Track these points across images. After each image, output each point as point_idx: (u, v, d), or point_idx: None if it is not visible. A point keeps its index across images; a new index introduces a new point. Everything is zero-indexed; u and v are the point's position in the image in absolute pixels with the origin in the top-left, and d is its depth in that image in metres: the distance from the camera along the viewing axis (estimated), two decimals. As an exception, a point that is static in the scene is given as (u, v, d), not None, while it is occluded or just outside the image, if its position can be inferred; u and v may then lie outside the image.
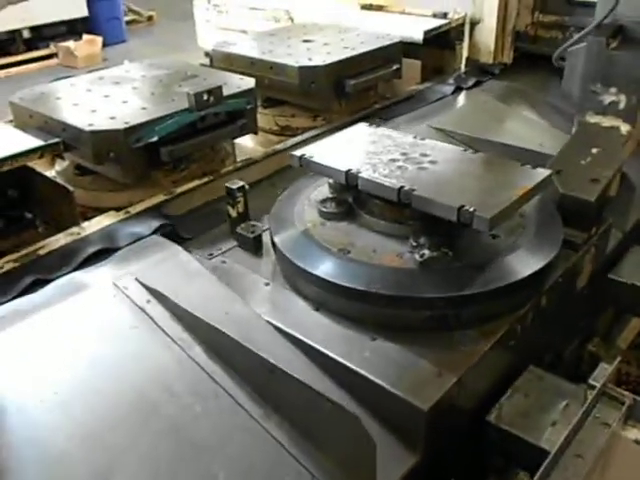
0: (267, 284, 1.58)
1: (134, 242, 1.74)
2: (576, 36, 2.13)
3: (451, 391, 1.26)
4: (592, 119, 2.12)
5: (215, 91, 2.05)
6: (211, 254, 1.73)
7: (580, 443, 1.28)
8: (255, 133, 2.37)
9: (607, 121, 2.10)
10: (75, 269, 1.63)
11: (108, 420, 1.22)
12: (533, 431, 1.36)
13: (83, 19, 9.90)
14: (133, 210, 1.90)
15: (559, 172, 1.79)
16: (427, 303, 1.39)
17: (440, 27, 3.06)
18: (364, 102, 2.76)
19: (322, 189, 1.75)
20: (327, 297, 1.47)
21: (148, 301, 1.48)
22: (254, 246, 1.71)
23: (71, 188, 1.90)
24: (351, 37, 2.82)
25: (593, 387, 1.37)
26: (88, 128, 1.86)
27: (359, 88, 2.57)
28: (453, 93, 2.89)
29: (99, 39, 9.49)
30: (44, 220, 2.00)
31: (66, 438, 1.19)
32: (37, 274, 1.60)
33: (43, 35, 9.44)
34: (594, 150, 1.92)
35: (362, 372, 1.29)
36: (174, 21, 11.09)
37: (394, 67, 2.71)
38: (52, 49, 9.35)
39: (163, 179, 2.15)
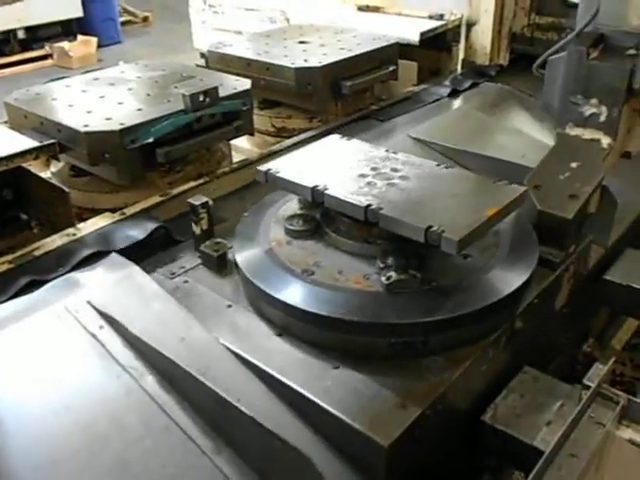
0: (229, 306, 1.51)
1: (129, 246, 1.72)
2: (556, 45, 2.09)
3: (415, 424, 1.21)
4: (572, 131, 2.06)
5: (211, 92, 2.04)
6: (173, 273, 1.64)
7: (575, 443, 1.28)
8: (251, 134, 2.36)
9: (588, 133, 2.04)
10: (70, 270, 1.62)
11: (53, 454, 1.17)
12: (528, 431, 1.36)
13: (78, 20, 9.88)
14: (128, 212, 1.89)
15: (537, 187, 1.73)
16: (392, 329, 1.32)
17: (436, 28, 3.06)
18: (360, 103, 2.76)
19: (291, 204, 1.69)
20: (290, 322, 1.40)
21: (101, 327, 1.41)
22: (218, 265, 1.63)
23: (66, 189, 1.89)
24: (347, 38, 2.82)
25: (588, 387, 1.37)
26: (83, 129, 1.86)
27: (355, 89, 2.57)
28: (449, 95, 2.89)
29: (94, 40, 9.47)
30: (39, 221, 1.98)
31: (6, 474, 1.14)
32: (33, 275, 1.59)
33: (38, 36, 9.42)
34: (573, 164, 1.85)
35: (321, 403, 1.24)
36: (169, 22, 11.08)
37: (390, 68, 2.71)
38: (47, 50, 9.32)
39: (159, 180, 2.14)
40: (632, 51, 1.95)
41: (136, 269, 1.59)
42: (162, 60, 2.66)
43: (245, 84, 2.25)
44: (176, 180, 2.15)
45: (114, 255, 1.66)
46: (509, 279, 1.43)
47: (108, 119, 1.93)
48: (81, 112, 2.00)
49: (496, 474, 1.54)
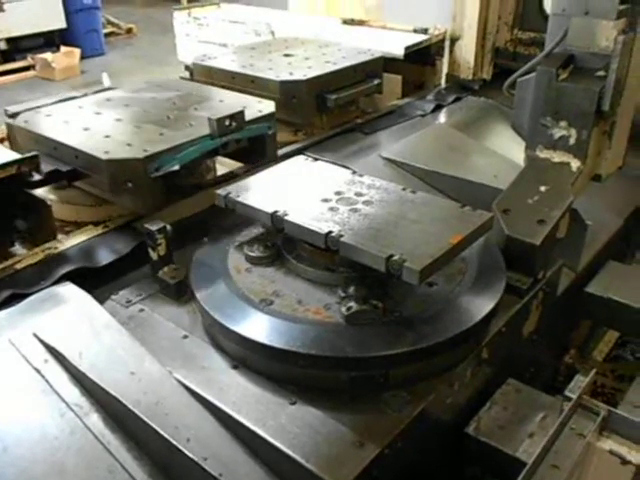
0: (185, 337, 1.47)
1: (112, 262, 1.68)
2: (525, 66, 2.07)
3: (373, 464, 1.17)
4: (542, 154, 2.03)
5: (237, 116, 1.92)
6: (129, 300, 1.59)
7: (556, 454, 1.30)
8: (275, 159, 2.16)
9: (557, 156, 2.01)
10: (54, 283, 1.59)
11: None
12: (511, 443, 1.37)
13: (61, 31, 9.82)
14: (112, 225, 1.86)
15: (506, 211, 1.72)
16: (352, 363, 1.29)
17: (421, 43, 3.09)
18: (345, 116, 2.76)
19: (252, 229, 1.67)
20: (246, 354, 1.36)
21: (46, 361, 1.37)
22: (176, 292, 1.58)
23: (48, 202, 1.85)
24: (332, 52, 2.83)
25: (569, 399, 1.38)
26: (105, 156, 1.71)
27: (340, 103, 2.57)
28: (434, 110, 2.91)
29: (77, 51, 9.41)
30: (21, 234, 1.94)
31: None
32: (14, 288, 1.56)
33: (20, 47, 9.32)
34: (542, 188, 1.85)
35: (275, 442, 1.20)
36: (153, 34, 11.07)
37: (375, 82, 2.72)
38: (29, 61, 9.23)
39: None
40: (601, 73, 1.95)
41: (88, 298, 1.53)
42: (174, 79, 2.53)
43: (269, 106, 2.12)
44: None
45: (66, 284, 1.59)
46: (475, 308, 1.41)
47: (129, 145, 1.78)
48: (99, 137, 1.86)
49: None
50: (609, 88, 1.91)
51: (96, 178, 1.76)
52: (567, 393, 1.39)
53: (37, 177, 1.70)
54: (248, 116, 2.01)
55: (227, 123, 1.89)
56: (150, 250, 1.61)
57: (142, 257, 1.67)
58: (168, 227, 1.60)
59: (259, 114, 2.04)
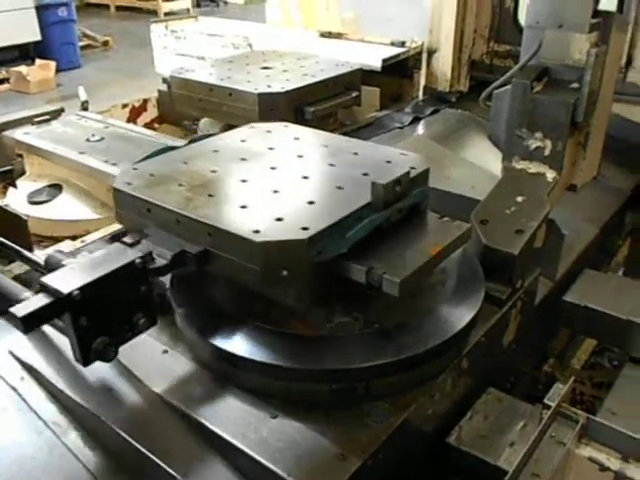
0: (165, 352, 1.44)
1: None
2: (501, 78, 2.10)
3: (356, 476, 1.17)
4: (518, 165, 2.06)
5: (404, 179, 1.46)
6: None
7: (537, 462, 1.31)
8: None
9: (533, 167, 2.04)
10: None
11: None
12: (492, 452, 1.38)
13: (36, 44, 9.74)
14: (89, 239, 1.84)
15: (484, 222, 1.73)
16: (333, 375, 1.29)
17: (398, 55, 3.12)
18: (324, 129, 2.76)
19: None
20: (228, 369, 1.36)
21: (22, 378, 1.35)
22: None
23: (24, 217, 1.83)
24: (310, 64, 2.84)
25: (548, 407, 1.39)
26: (257, 238, 1.27)
27: (319, 115, 2.58)
28: (412, 122, 2.94)
29: (52, 64, 9.33)
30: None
31: None
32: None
33: (-6, 60, 9.23)
34: (519, 198, 1.86)
35: (257, 457, 1.19)
36: (130, 47, 11.04)
37: (353, 94, 2.74)
38: (3, 74, 9.13)
39: (120, 207, 2.09)
40: (575, 85, 1.99)
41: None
42: (279, 123, 1.97)
43: (423, 163, 1.59)
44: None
45: None
46: (455, 319, 1.42)
47: (279, 220, 1.34)
48: (232, 206, 1.41)
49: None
50: (583, 100, 1.94)
51: (236, 262, 1.32)
52: (546, 401, 1.41)
53: (160, 263, 1.33)
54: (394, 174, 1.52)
55: (396, 189, 1.44)
56: None
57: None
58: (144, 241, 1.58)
59: (414, 172, 1.52)
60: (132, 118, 3.22)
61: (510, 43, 3.26)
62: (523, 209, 1.82)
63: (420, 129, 2.93)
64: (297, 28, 3.92)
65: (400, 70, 3.22)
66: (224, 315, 1.42)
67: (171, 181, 1.51)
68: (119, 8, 15.16)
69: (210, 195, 1.45)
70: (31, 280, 1.63)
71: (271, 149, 1.70)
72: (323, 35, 3.55)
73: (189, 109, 2.78)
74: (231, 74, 2.70)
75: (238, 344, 1.34)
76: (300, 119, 2.55)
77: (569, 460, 1.38)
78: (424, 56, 3.23)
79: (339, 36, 3.51)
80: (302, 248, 1.26)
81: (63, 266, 1.27)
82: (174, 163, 1.62)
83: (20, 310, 1.10)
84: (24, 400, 1.31)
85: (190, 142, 1.79)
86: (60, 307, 1.13)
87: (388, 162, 1.60)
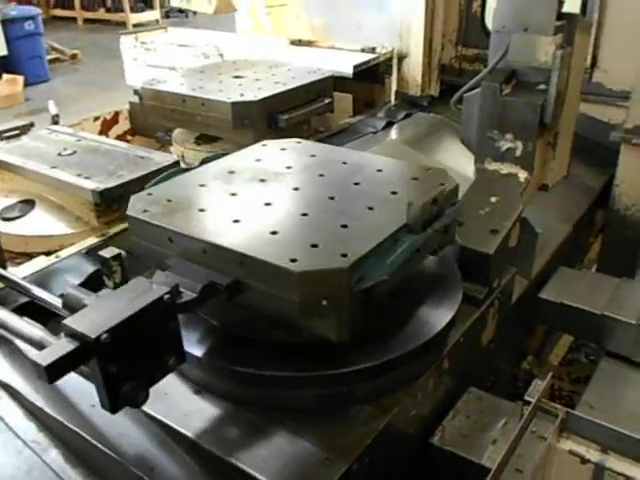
0: None
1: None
2: (471, 82, 2.15)
3: None
4: (491, 166, 2.10)
5: (440, 197, 1.39)
6: None
7: (519, 457, 1.33)
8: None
9: (505, 168, 2.07)
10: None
11: None
12: (475, 450, 1.40)
13: (3, 58, 9.57)
14: (64, 254, 1.81)
15: (459, 224, 1.74)
16: (317, 381, 1.29)
17: (369, 61, 3.15)
18: (298, 136, 2.77)
19: None
20: (207, 378, 1.35)
21: None
22: None
23: (-5, 234, 1.79)
24: (282, 72, 2.85)
25: (528, 403, 1.42)
26: (296, 267, 1.18)
27: (292, 122, 2.59)
28: (385, 127, 2.97)
29: (20, 78, 9.19)
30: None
31: None
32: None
33: (-41, 75, 9.05)
34: (493, 199, 1.89)
35: (243, 467, 1.18)
36: (100, 59, 10.93)
37: (326, 101, 2.75)
38: (-31, 89, 8.95)
39: (94, 221, 2.07)
40: (542, 86, 2.03)
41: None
42: (294, 139, 1.90)
43: (451, 178, 1.54)
44: (114, 219, 2.08)
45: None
46: (434, 320, 1.43)
47: (315, 246, 1.26)
48: (262, 233, 1.31)
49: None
50: (550, 101, 1.98)
51: (272, 294, 1.23)
52: (526, 397, 1.43)
53: (187, 297, 1.24)
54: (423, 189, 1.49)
55: (432, 208, 1.38)
56: (105, 278, 1.56)
57: (98, 286, 1.62)
58: (123, 253, 1.56)
59: (441, 188, 1.43)
60: (104, 131, 3.19)
61: (478, 47, 3.31)
62: (497, 209, 1.84)
63: (393, 134, 2.96)
64: (268, 36, 3.94)
65: (371, 76, 3.25)
66: (203, 325, 1.40)
67: (191, 206, 1.42)
68: (87, 21, 15.02)
69: (236, 221, 1.35)
70: (5, 297, 1.60)
71: (289, 168, 1.63)
72: (294, 43, 3.56)
73: (162, 120, 2.76)
74: (203, 84, 2.70)
75: (219, 354, 1.34)
76: (273, 127, 2.55)
77: (550, 454, 1.40)
78: (395, 61, 3.27)
79: (310, 44, 3.53)
80: (343, 277, 1.19)
81: (84, 305, 1.15)
82: (191, 187, 1.53)
83: (44, 358, 0.99)
84: (1, 419, 1.29)
85: (202, 163, 1.72)
86: (87, 352, 1.03)
87: (415, 179, 1.55)
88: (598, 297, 2.00)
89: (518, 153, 2.05)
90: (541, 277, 2.10)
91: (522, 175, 2.05)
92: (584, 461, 1.38)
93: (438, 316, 1.44)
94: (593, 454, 1.38)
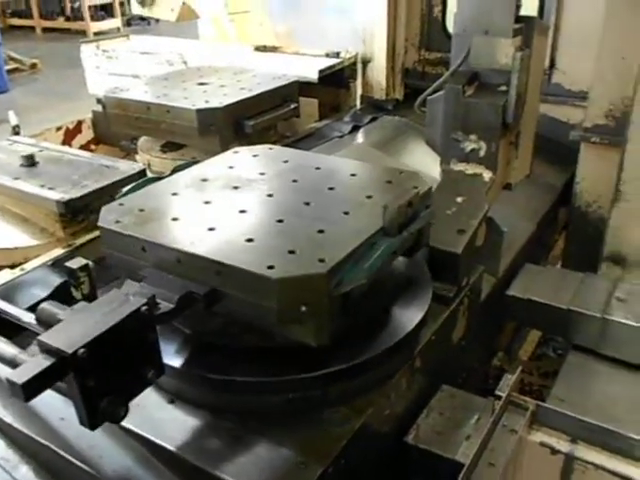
0: None
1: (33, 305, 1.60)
2: (434, 84, 2.18)
3: None
4: (456, 167, 2.13)
5: (414, 200, 1.40)
6: None
7: (492, 451, 1.36)
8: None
9: (470, 168, 2.11)
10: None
11: None
12: (449, 447, 1.41)
13: (-42, 69, 9.34)
14: (29, 266, 1.77)
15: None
16: (289, 385, 1.28)
17: (333, 66, 3.17)
18: (265, 141, 2.76)
19: None
20: (182, 387, 1.34)
21: None
22: None
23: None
24: (247, 78, 2.85)
25: (499, 397, 1.45)
26: (273, 274, 1.17)
27: (258, 128, 2.59)
28: (351, 131, 2.99)
29: (-22, 89, 8.97)
30: None
31: None
32: None
33: None
34: (459, 199, 1.92)
35: (220, 474, 1.18)
36: (60, 68, 10.73)
37: (292, 106, 2.76)
38: None
39: (60, 232, 2.03)
40: (503, 87, 2.07)
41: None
42: (264, 145, 1.88)
43: (423, 181, 1.55)
44: (80, 230, 2.04)
45: None
46: (405, 319, 1.44)
47: (292, 252, 1.25)
48: (237, 241, 1.29)
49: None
50: (511, 102, 2.03)
51: (250, 301, 1.22)
52: (497, 392, 1.47)
53: (165, 308, 1.22)
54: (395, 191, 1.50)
55: (407, 211, 1.39)
56: (73, 289, 1.52)
57: (66, 298, 1.59)
58: (91, 264, 1.53)
59: (421, 191, 1.46)
60: (67, 141, 3.14)
61: (440, 50, 3.37)
62: (463, 209, 1.88)
63: (360, 137, 2.98)
64: (231, 43, 3.93)
65: (336, 80, 3.27)
66: (174, 333, 1.39)
67: (164, 216, 1.40)
68: (46, 30, 14.75)
69: (210, 229, 1.34)
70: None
71: (262, 174, 1.62)
72: (258, 49, 3.56)
73: (126, 128, 2.73)
74: (167, 91, 2.68)
75: (192, 362, 1.33)
76: (240, 133, 2.55)
77: (522, 447, 1.44)
78: (359, 66, 3.30)
79: (274, 50, 3.54)
80: (322, 282, 1.18)
81: (59, 320, 1.11)
82: (163, 196, 1.51)
83: (20, 376, 0.95)
84: None
85: (173, 171, 1.70)
86: (64, 368, 0.99)
87: (389, 182, 1.56)
88: (563, 292, 2.05)
89: (482, 153, 2.09)
90: (508, 275, 2.14)
91: (487, 175, 2.09)
92: (554, 452, 1.42)
93: (409, 316, 1.46)
94: (563, 445, 1.42)
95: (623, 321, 1.88)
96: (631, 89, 2.19)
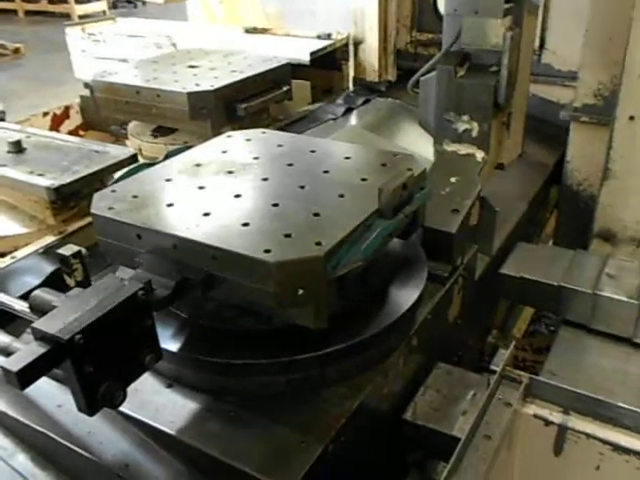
0: None
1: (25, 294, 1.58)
2: (426, 65, 2.19)
3: (319, 461, 1.18)
4: (449, 147, 2.15)
5: (409, 182, 1.41)
6: None
7: (487, 424, 1.39)
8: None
9: (463, 149, 2.13)
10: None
11: None
12: (446, 422, 1.45)
13: (-60, 55, 9.16)
14: (20, 254, 1.76)
15: None
16: (288, 366, 1.30)
17: (325, 48, 3.15)
18: (257, 125, 2.75)
19: None
20: (179, 371, 1.35)
21: None
22: None
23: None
24: (238, 60, 2.82)
25: (494, 372, 1.49)
26: (270, 258, 1.18)
27: (251, 111, 2.57)
28: (344, 113, 2.98)
29: (-40, 75, 8.81)
30: None
31: None
32: None
33: None
34: (453, 179, 1.93)
35: (220, 457, 1.18)
36: (45, 53, 10.57)
37: (284, 89, 2.74)
38: None
39: (51, 219, 2.01)
40: (494, 68, 2.08)
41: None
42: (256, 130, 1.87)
43: (418, 163, 1.56)
44: (71, 217, 2.03)
45: None
46: (402, 299, 1.46)
47: (288, 236, 1.25)
48: (234, 225, 1.30)
49: (422, 468, 1.59)
50: (503, 82, 2.04)
51: (247, 286, 1.22)
52: (492, 367, 1.51)
53: (162, 293, 1.23)
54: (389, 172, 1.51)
55: (402, 193, 1.40)
56: (66, 277, 1.51)
57: (59, 285, 1.59)
58: (83, 251, 1.52)
59: (415, 173, 1.47)
60: (54, 126, 3.10)
61: (432, 31, 3.35)
62: (457, 189, 1.89)
63: (353, 119, 2.97)
64: (221, 25, 3.88)
65: (329, 62, 3.25)
66: (171, 318, 1.40)
67: (159, 201, 1.39)
68: (28, 13, 14.47)
69: (206, 214, 1.33)
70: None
71: (256, 159, 1.62)
72: (248, 31, 3.53)
73: (115, 113, 2.70)
74: (157, 75, 2.65)
75: (190, 345, 1.33)
76: (232, 116, 2.53)
77: (516, 419, 1.47)
78: (351, 48, 3.29)
79: (264, 31, 3.50)
80: (319, 265, 1.18)
81: (53, 307, 1.11)
82: (156, 181, 1.50)
83: (14, 364, 0.94)
84: None
85: (166, 157, 1.69)
86: (60, 355, 0.99)
87: (383, 165, 1.56)
88: (555, 269, 2.07)
89: (474, 134, 2.10)
90: (501, 253, 2.16)
91: (479, 155, 2.10)
92: (548, 423, 1.45)
93: (405, 295, 1.48)
94: (556, 416, 1.45)
95: (613, 296, 1.92)
96: (619, 69, 2.20)
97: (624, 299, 1.90)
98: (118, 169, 2.17)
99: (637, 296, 1.90)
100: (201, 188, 1.47)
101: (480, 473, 1.27)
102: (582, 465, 1.45)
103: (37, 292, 1.21)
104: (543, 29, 3.04)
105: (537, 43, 3.00)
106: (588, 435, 1.41)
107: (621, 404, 1.40)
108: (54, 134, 2.57)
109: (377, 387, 1.38)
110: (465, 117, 2.11)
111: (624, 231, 2.37)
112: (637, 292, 1.92)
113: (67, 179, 1.98)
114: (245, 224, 1.29)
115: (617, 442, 1.39)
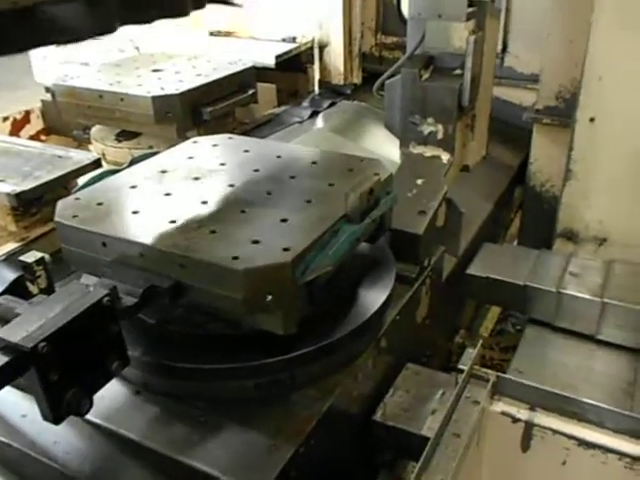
0: None
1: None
2: (391, 69, 2.21)
3: (290, 465, 1.17)
4: (415, 149, 2.17)
5: (375, 187, 1.42)
6: None
7: (456, 423, 1.40)
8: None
9: (429, 151, 2.15)
10: None
11: None
12: (416, 422, 1.45)
13: None
14: (-20, 262, 1.71)
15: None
16: (256, 370, 1.28)
17: (290, 51, 3.16)
18: (223, 128, 2.74)
19: None
20: (146, 377, 1.33)
21: None
22: None
23: None
24: (202, 64, 2.81)
25: (462, 371, 1.50)
26: (239, 265, 1.16)
27: (216, 115, 2.56)
28: (310, 116, 2.99)
29: None
30: None
31: None
32: None
33: None
34: (419, 181, 1.95)
35: (190, 462, 1.17)
36: (3, 57, 10.29)
37: (249, 92, 2.74)
38: None
39: (12, 225, 1.97)
40: (458, 71, 2.11)
41: None
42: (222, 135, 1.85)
43: (385, 168, 1.57)
44: (33, 223, 1.98)
45: None
46: (370, 301, 1.46)
47: (256, 242, 1.25)
48: (202, 233, 1.28)
49: (392, 469, 1.60)
50: (466, 85, 2.07)
51: (215, 293, 1.22)
52: (460, 366, 1.52)
53: (128, 301, 1.19)
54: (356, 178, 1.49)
55: (369, 198, 1.41)
56: (29, 284, 1.47)
57: (22, 293, 1.55)
58: (47, 257, 1.49)
59: (382, 178, 1.48)
60: (15, 131, 3.04)
61: (396, 35, 3.38)
62: (423, 191, 1.90)
63: (319, 122, 2.98)
64: (185, 27, 3.85)
65: (294, 65, 3.26)
66: (137, 324, 1.37)
67: (124, 209, 1.36)
68: (-13, 16, 14.11)
69: (172, 221, 1.31)
70: None
71: (223, 165, 1.60)
72: (212, 34, 3.51)
73: (78, 118, 2.66)
74: (121, 78, 2.61)
75: (157, 351, 1.31)
76: (197, 120, 2.51)
77: (485, 417, 1.49)
78: (316, 51, 3.30)
79: (229, 34, 3.49)
80: (287, 271, 1.18)
81: (16, 314, 1.08)
82: (121, 188, 1.47)
83: None
84: None
85: (131, 163, 1.66)
86: (24, 364, 0.96)
87: (350, 170, 1.56)
88: (520, 269, 2.11)
89: (440, 136, 2.13)
90: (468, 254, 2.19)
91: (445, 157, 2.13)
92: (515, 420, 1.47)
93: (374, 297, 1.48)
94: (523, 413, 1.47)
95: (576, 294, 1.96)
96: (579, 71, 2.26)
97: (587, 297, 1.94)
98: (81, 174, 2.13)
99: (600, 294, 1.94)
100: (167, 195, 1.45)
101: (449, 471, 1.28)
102: (549, 460, 1.47)
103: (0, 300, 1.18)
104: (505, 32, 3.10)
105: (500, 46, 3.06)
106: (554, 431, 1.44)
107: (585, 400, 1.43)
108: (14, 139, 2.51)
109: (347, 389, 1.38)
110: (430, 120, 2.13)
111: (586, 231, 2.42)
112: (600, 290, 1.96)
113: (29, 185, 1.94)
114: (212, 231, 1.28)
115: (582, 437, 1.41)
